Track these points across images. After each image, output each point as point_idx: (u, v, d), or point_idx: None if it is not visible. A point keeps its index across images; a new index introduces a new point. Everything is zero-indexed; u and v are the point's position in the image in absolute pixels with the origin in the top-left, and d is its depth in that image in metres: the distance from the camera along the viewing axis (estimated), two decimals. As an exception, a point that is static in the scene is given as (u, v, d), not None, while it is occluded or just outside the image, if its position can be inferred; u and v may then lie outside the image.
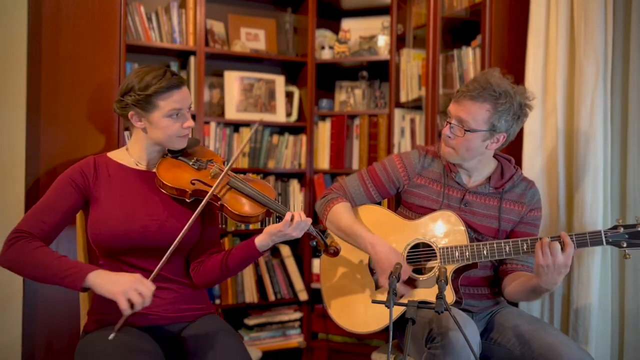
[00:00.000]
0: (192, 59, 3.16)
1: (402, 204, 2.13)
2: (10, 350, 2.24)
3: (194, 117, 3.16)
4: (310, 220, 1.81)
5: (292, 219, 1.76)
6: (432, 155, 2.09)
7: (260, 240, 1.81)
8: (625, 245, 1.77)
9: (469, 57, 2.79)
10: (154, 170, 1.85)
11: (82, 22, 2.39)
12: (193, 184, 1.82)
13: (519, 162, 2.46)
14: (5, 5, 2.25)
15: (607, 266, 2.25)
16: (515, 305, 2.40)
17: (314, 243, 1.87)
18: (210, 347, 1.73)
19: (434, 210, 2.01)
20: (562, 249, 1.76)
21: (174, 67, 3.20)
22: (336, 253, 1.88)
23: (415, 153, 2.10)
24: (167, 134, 1.81)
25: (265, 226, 1.84)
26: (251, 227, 3.26)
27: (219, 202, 1.83)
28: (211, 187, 1.80)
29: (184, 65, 3.23)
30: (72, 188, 1.79)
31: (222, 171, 1.83)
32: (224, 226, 3.18)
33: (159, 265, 1.70)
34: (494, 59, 2.57)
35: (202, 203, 1.77)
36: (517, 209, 2.02)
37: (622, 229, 1.78)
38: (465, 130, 1.90)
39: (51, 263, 1.65)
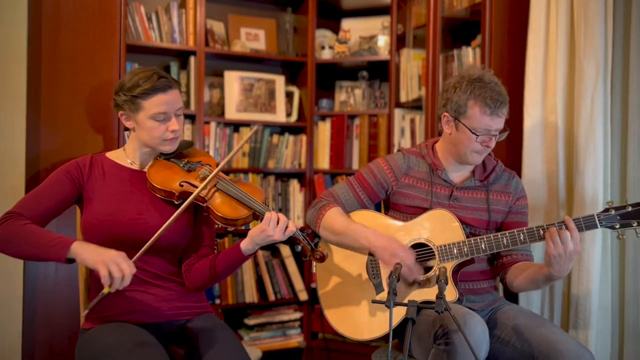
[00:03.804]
0: (192, 59, 3.16)
1: (391, 207, 2.13)
2: (10, 350, 2.24)
3: (193, 117, 3.16)
4: (298, 225, 1.78)
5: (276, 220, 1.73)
6: (415, 156, 2.10)
7: (245, 244, 1.79)
8: (618, 226, 1.82)
9: (469, 57, 2.79)
10: (145, 170, 1.87)
11: (82, 22, 2.39)
12: (181, 185, 1.82)
13: (519, 162, 2.47)
14: (5, 5, 2.25)
15: (607, 265, 2.25)
16: (515, 301, 2.41)
17: (300, 248, 1.83)
18: (210, 343, 1.74)
19: (424, 209, 2.02)
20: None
21: (174, 67, 3.20)
22: (322, 259, 1.84)
23: (399, 154, 2.12)
24: (152, 136, 1.81)
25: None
26: (251, 226, 3.26)
27: (205, 204, 1.81)
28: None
29: (184, 65, 3.23)
30: (67, 179, 1.82)
31: (211, 173, 1.82)
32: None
33: (137, 255, 1.70)
34: (494, 59, 2.57)
35: (185, 203, 1.76)
36: (504, 199, 2.06)
37: (613, 211, 1.83)
38: (507, 132, 2.00)
39: (37, 236, 1.67)
